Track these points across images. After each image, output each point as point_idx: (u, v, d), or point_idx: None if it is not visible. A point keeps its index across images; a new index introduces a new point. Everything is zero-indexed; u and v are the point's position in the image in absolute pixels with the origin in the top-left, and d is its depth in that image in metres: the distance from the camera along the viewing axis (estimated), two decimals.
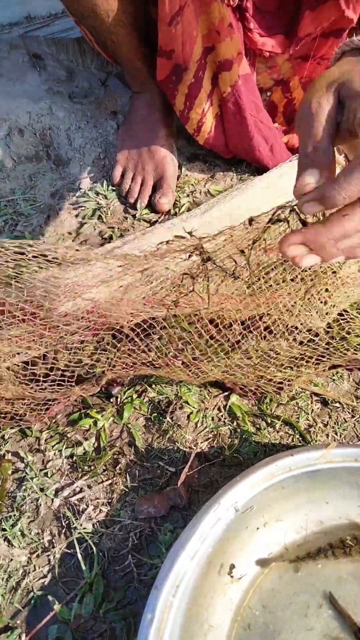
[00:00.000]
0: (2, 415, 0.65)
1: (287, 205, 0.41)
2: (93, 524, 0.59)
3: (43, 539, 0.59)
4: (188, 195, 0.96)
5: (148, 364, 0.63)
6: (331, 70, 0.41)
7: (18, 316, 0.53)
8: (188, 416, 0.67)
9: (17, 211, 0.94)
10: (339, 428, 0.67)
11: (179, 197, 0.96)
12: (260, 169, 0.96)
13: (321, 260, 0.39)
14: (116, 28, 0.83)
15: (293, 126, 0.99)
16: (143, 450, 0.65)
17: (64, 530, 0.59)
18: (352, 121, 0.38)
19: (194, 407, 0.68)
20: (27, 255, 0.43)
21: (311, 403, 0.69)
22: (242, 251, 0.49)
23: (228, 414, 0.68)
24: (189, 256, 0.47)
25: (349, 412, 0.68)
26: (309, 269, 0.62)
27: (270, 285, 0.58)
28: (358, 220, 0.36)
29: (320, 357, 0.68)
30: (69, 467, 0.64)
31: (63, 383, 0.62)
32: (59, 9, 1.18)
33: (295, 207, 0.41)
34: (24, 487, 0.62)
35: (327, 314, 0.67)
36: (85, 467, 0.63)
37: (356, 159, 0.36)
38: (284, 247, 0.39)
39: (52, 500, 0.61)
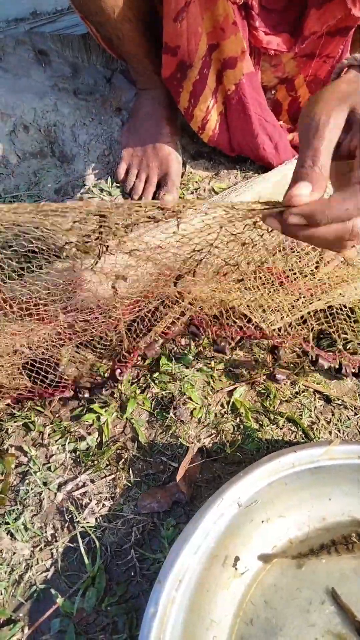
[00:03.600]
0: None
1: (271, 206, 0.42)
2: (96, 519, 0.59)
3: (46, 532, 0.59)
4: (192, 193, 0.96)
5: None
6: (340, 85, 0.43)
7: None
8: (191, 412, 0.68)
9: None
10: (341, 425, 0.67)
11: (183, 194, 0.96)
12: (264, 167, 0.96)
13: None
14: (122, 24, 0.83)
15: (298, 125, 0.99)
16: (146, 445, 0.65)
17: (66, 524, 0.59)
18: (354, 148, 0.41)
19: (197, 403, 0.68)
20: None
21: (314, 400, 0.69)
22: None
23: (231, 410, 0.68)
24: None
25: (352, 410, 0.69)
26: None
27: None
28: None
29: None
30: (72, 461, 0.64)
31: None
32: (64, 5, 1.18)
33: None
34: (27, 481, 0.62)
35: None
36: (89, 462, 0.64)
37: (349, 187, 0.39)
38: (265, 219, 0.42)
39: (55, 494, 0.61)
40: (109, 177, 0.98)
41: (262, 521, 0.56)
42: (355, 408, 0.69)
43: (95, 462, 0.63)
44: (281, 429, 0.66)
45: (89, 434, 0.66)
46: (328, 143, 0.40)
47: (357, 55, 0.46)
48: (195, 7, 0.76)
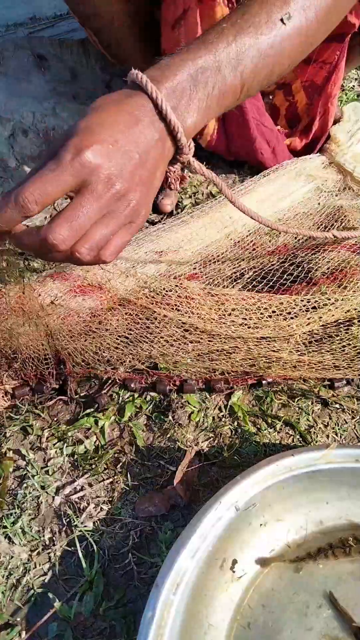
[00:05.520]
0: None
1: None
2: (94, 522, 0.60)
3: (44, 536, 0.59)
4: (190, 197, 0.97)
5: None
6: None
7: None
8: (189, 415, 0.68)
9: None
10: (339, 429, 0.67)
11: (181, 198, 0.96)
12: (262, 171, 0.97)
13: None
14: (119, 29, 0.84)
15: (295, 129, 0.99)
16: (144, 449, 0.65)
17: (64, 528, 0.59)
18: None
19: (195, 407, 0.68)
20: None
21: (312, 404, 0.69)
22: None
23: (229, 413, 0.68)
24: None
25: (349, 414, 0.69)
26: None
27: None
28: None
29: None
30: (70, 465, 0.64)
31: None
32: (64, 10, 1.19)
33: None
34: (25, 485, 0.62)
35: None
36: (86, 466, 0.64)
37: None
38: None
39: (53, 498, 0.61)
40: None
41: (260, 525, 0.56)
42: (352, 411, 0.69)
43: (93, 466, 0.64)
44: (279, 432, 0.67)
45: (87, 437, 0.66)
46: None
47: (138, 73, 0.42)
48: (194, 15, 0.76)
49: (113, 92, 0.43)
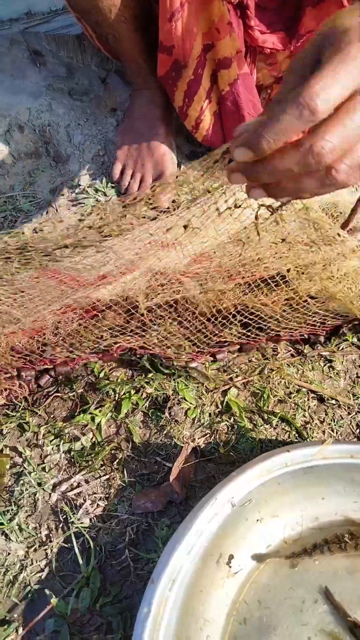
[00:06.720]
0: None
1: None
2: (90, 519, 0.60)
3: (40, 533, 0.59)
4: (186, 193, 0.96)
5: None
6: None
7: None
8: (186, 412, 0.68)
9: (16, 207, 0.95)
10: (335, 425, 0.67)
11: (178, 194, 0.96)
12: None
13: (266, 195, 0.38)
14: (118, 24, 0.83)
15: None
16: (140, 445, 0.65)
17: (61, 525, 0.59)
18: None
19: (191, 403, 0.68)
20: None
21: (308, 400, 0.69)
22: None
23: (225, 410, 0.68)
24: None
25: (345, 410, 0.69)
26: None
27: None
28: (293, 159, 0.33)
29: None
30: (66, 462, 0.64)
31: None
32: (59, 5, 1.18)
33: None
34: (21, 482, 0.62)
35: None
36: (83, 462, 0.64)
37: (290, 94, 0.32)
38: (229, 177, 0.38)
39: (50, 494, 0.61)
40: (104, 177, 0.98)
41: (256, 520, 0.56)
42: (348, 407, 0.69)
43: (90, 463, 0.64)
44: (275, 428, 0.67)
45: (84, 434, 0.66)
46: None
47: None
48: (191, 7, 0.76)
49: None
